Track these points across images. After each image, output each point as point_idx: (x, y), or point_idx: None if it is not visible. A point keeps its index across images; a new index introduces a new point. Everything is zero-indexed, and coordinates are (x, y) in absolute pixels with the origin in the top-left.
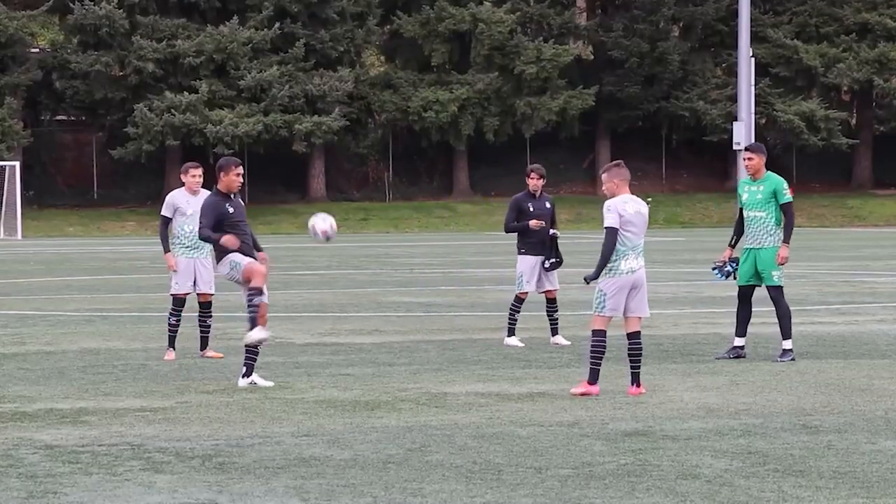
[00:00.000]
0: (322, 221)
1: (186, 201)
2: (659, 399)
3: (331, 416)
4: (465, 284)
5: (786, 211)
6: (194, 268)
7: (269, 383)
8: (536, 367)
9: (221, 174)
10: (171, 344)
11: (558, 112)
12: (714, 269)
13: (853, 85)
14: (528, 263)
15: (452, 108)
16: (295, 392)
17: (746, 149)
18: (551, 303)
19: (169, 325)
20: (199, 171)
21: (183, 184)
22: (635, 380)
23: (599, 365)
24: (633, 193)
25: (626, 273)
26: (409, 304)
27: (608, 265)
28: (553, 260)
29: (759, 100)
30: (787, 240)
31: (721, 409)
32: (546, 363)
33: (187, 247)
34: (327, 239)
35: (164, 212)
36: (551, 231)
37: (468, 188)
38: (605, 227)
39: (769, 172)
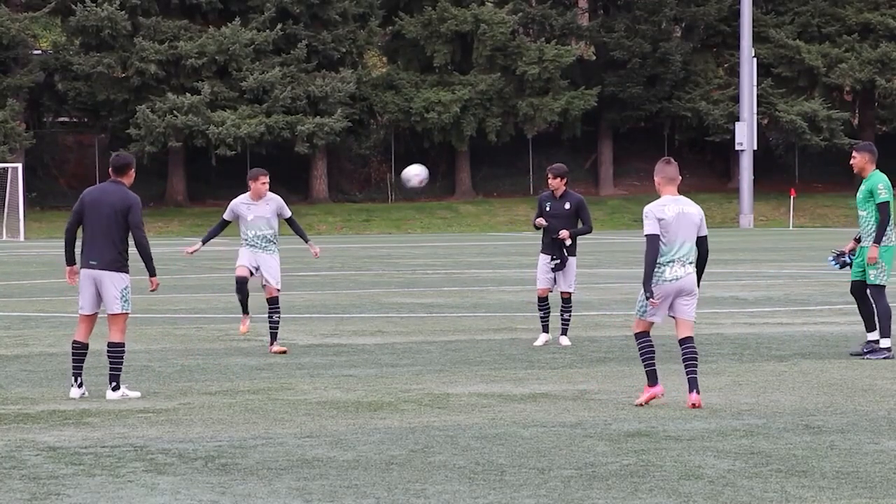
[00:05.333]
0: (422, 171)
1: (248, 208)
2: (661, 400)
3: (333, 417)
4: (468, 285)
5: (879, 210)
6: (256, 256)
7: (137, 393)
8: (539, 368)
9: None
10: (245, 310)
11: (560, 112)
12: (831, 258)
13: (855, 85)
14: (541, 262)
15: (454, 109)
16: (298, 393)
17: (851, 147)
18: (565, 303)
19: (239, 300)
20: (267, 178)
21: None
22: (693, 386)
23: (652, 366)
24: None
25: (671, 280)
26: (412, 305)
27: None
28: (556, 261)
29: (762, 100)
30: (876, 240)
31: (724, 410)
32: (549, 364)
33: (250, 248)
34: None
35: (226, 216)
36: (559, 232)
37: (470, 189)
38: (645, 235)
39: (875, 171)
